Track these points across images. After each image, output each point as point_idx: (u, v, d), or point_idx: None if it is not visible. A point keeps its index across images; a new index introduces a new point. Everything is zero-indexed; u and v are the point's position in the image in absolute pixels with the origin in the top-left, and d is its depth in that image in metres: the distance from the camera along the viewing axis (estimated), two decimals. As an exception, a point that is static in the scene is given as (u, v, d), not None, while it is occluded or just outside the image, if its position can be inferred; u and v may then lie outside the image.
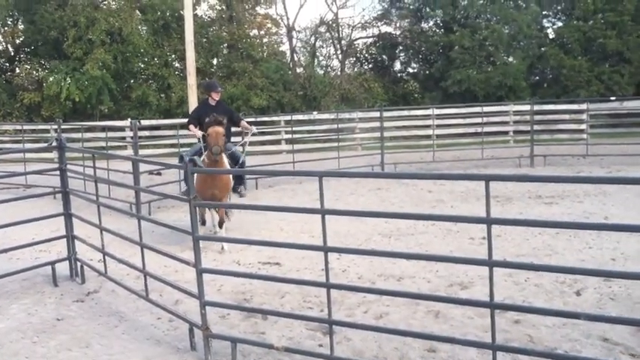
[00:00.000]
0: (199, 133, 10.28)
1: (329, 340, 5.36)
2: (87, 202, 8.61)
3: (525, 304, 6.59)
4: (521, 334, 6.03)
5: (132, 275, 8.01)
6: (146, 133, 22.76)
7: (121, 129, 23.10)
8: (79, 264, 8.26)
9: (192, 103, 24.12)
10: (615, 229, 5.22)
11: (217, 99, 10.82)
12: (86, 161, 13.85)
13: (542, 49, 29.66)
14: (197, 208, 8.71)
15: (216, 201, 9.62)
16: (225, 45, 31.39)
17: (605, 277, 7.30)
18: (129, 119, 23.15)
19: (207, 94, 11.00)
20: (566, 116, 22.17)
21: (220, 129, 9.35)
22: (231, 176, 9.96)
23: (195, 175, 9.06)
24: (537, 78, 31.09)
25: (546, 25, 31.35)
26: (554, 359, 5.28)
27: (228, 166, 9.90)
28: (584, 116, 20.93)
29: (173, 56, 30.55)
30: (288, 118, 22.97)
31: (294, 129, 21.25)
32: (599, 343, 5.79)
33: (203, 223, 10.15)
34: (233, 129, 11.37)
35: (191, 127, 10.65)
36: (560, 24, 30.66)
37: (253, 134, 10.99)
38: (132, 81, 29.88)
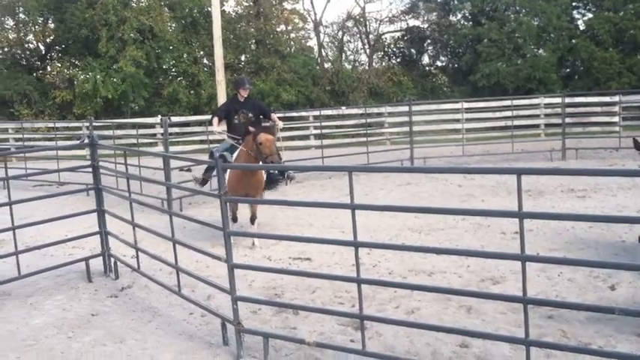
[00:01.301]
0: (219, 129, 10.42)
1: (360, 335, 5.37)
2: (119, 198, 8.70)
3: (558, 299, 6.54)
4: (554, 329, 5.98)
5: (164, 271, 8.10)
6: (176, 129, 22.95)
7: (152, 126, 23.32)
8: (112, 260, 8.36)
9: (221, 99, 24.24)
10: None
11: (245, 95, 10.65)
12: (118, 158, 14.00)
13: (573, 41, 29.24)
14: (228, 205, 8.78)
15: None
16: (253, 41, 31.44)
17: (640, 272, 7.22)
18: (159, 116, 23.33)
19: (235, 91, 10.91)
20: (598, 109, 21.86)
21: (271, 137, 9.30)
22: (264, 174, 9.88)
23: (229, 172, 9.12)
24: (568, 70, 30.66)
25: (576, 16, 30.92)
26: (588, 354, 5.22)
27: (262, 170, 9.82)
28: (616, 108, 20.63)
29: (202, 53, 30.72)
30: (316, 113, 22.94)
31: (322, 124, 21.24)
32: (634, 338, 5.72)
33: (235, 220, 10.04)
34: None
35: (215, 120, 10.53)
36: (590, 15, 30.17)
37: (280, 129, 10.79)
38: (162, 78, 30.13)
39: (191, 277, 6.82)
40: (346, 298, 7.20)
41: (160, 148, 19.29)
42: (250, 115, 10.18)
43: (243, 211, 10.51)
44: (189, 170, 15.68)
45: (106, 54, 27.63)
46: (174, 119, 22.59)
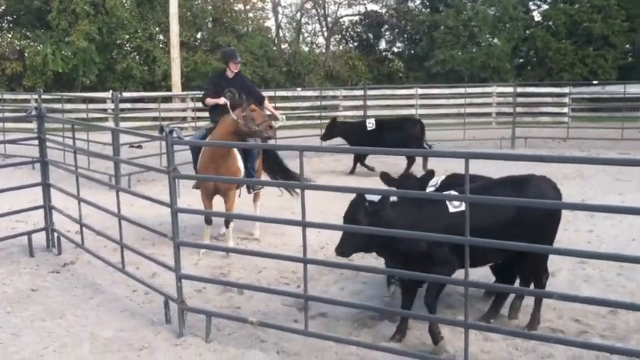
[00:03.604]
0: (223, 100, 8.54)
1: (304, 316, 5.39)
2: (66, 173, 8.55)
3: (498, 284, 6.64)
4: (494, 313, 6.09)
5: (109, 247, 7.97)
6: (128, 105, 22.54)
7: (103, 100, 22.87)
8: (55, 235, 8.22)
9: (176, 76, 23.95)
10: (590, 209, 5.28)
11: (236, 70, 9.00)
12: (66, 132, 13.71)
13: (528, 31, 29.65)
14: (202, 202, 8.43)
15: (221, 194, 8.45)
16: (210, 19, 31.05)
17: (580, 259, 7.39)
18: (111, 91, 22.89)
19: (224, 64, 9.17)
20: (549, 99, 22.22)
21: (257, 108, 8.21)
22: (241, 166, 8.54)
23: (200, 160, 8.35)
24: (522, 60, 31.09)
25: (532, 7, 31.29)
26: (525, 338, 5.34)
27: (239, 159, 8.47)
28: (566, 100, 21.00)
29: (157, 29, 30.19)
30: (271, 94, 22.76)
31: (277, 105, 21.10)
32: (570, 324, 5.87)
33: (209, 222, 8.50)
34: None
35: (209, 100, 8.79)
36: (546, 7, 30.56)
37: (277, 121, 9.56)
38: (115, 53, 29.55)
39: (136, 255, 6.75)
40: (292, 278, 7.23)
41: (110, 124, 18.96)
42: (236, 95, 8.72)
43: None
44: (139, 147, 15.46)
45: (58, 27, 26.96)
46: (127, 95, 22.18)
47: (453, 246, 5.14)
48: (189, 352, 5.42)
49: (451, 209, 5.34)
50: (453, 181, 6.09)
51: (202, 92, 9.23)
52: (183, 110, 21.40)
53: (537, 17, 30.84)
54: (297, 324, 5.82)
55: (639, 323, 5.79)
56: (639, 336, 5.57)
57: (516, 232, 5.17)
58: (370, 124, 13.69)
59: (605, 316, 5.97)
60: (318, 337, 5.40)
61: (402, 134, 13.12)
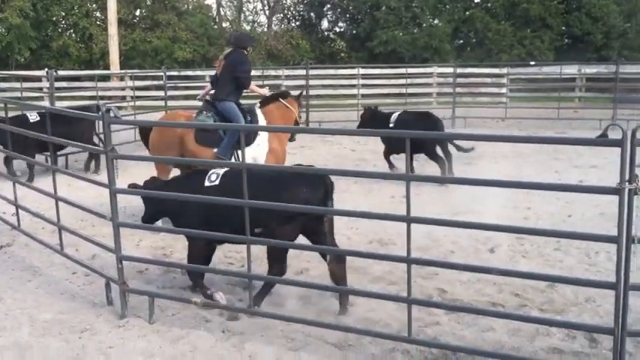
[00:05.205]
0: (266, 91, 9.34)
1: (248, 295, 5.38)
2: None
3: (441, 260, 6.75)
4: (436, 289, 6.19)
5: (47, 229, 7.80)
6: (64, 84, 21.94)
7: (38, 79, 22.20)
8: (-10, 217, 7.99)
9: (114, 55, 23.39)
10: (526, 187, 5.42)
11: None
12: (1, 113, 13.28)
13: (468, 12, 30.03)
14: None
15: None
16: (149, -5, 30.44)
17: (518, 235, 7.56)
18: (46, 69, 22.23)
19: (243, 48, 9.14)
20: (488, 80, 22.56)
21: None
22: None
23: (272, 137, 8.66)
24: (462, 41, 31.48)
25: (472, -12, 31.71)
26: (466, 313, 5.46)
27: None
28: (504, 80, 21.37)
29: (94, 5, 29.43)
30: (212, 72, 22.50)
31: (218, 84, 20.85)
32: (510, 297, 6.01)
33: None
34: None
35: (254, 87, 9.29)
36: (485, -13, 31.07)
37: None
38: (50, 30, 28.68)
39: (75, 236, 6.60)
40: (236, 258, 7.19)
41: (46, 103, 18.44)
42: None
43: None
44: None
45: (-11, 2, 26.07)
46: (63, 73, 21.57)
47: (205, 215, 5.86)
48: (132, 333, 5.35)
49: (206, 183, 5.86)
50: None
51: (248, 74, 9.09)
52: (122, 89, 20.95)
53: (477, -1, 31.28)
54: (242, 303, 5.81)
55: (576, 296, 5.97)
56: (576, 309, 5.75)
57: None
58: (33, 116, 11.50)
59: (544, 290, 6.13)
60: (263, 316, 5.41)
61: (74, 128, 10.73)
